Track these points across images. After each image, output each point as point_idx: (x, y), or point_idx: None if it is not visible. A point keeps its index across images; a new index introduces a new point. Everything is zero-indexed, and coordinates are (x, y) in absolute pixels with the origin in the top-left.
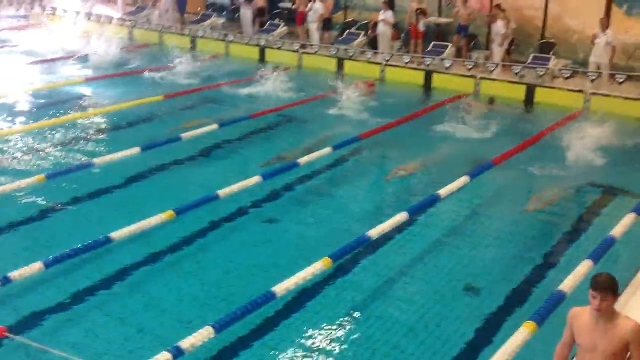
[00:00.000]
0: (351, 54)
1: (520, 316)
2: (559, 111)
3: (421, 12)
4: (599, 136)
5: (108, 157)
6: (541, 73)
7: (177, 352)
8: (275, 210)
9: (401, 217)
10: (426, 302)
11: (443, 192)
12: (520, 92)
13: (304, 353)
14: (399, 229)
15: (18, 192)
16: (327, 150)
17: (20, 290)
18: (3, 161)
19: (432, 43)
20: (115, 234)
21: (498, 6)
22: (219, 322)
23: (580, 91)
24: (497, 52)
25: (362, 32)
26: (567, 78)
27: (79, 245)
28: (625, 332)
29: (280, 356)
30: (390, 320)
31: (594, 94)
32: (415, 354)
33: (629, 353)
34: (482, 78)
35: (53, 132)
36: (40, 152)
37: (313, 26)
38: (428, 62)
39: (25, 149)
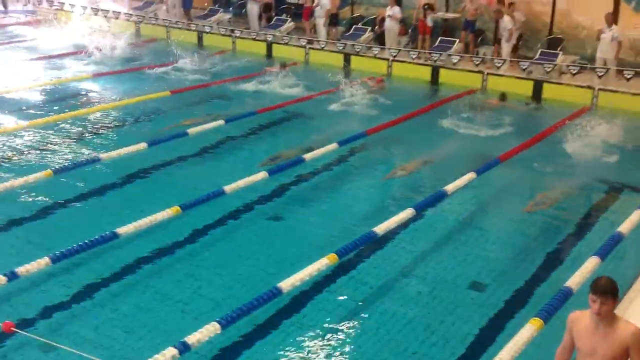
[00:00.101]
0: (358, 50)
1: (527, 313)
2: (567, 107)
3: (429, 8)
4: (607, 132)
5: (115, 153)
6: (549, 69)
7: (184, 348)
8: (281, 206)
9: (407, 213)
10: (432, 299)
11: (450, 188)
12: (527, 88)
13: (310, 349)
14: (405, 225)
15: (25, 188)
16: (333, 146)
17: (27, 285)
18: (11, 156)
19: (440, 38)
20: (122, 230)
21: (502, 1)
22: (225, 318)
23: (588, 87)
24: (505, 47)
25: (369, 28)
26: (575, 74)
27: (85, 241)
28: (625, 337)
29: (286, 352)
30: (395, 316)
31: (602, 90)
32: (420, 350)
33: (629, 358)
34: (489, 74)
35: (60, 128)
36: (48, 148)
37: (320, 22)
38: (435, 58)
39: (32, 144)
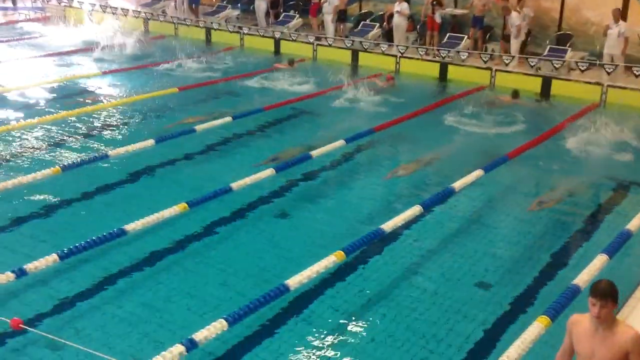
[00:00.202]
0: (366, 47)
1: (534, 311)
2: (575, 104)
3: (437, 4)
4: (616, 129)
5: (123, 150)
6: (557, 66)
7: (191, 345)
8: (288, 203)
9: (414, 210)
10: (438, 297)
11: (457, 185)
12: (536, 85)
13: (317, 346)
14: (412, 222)
15: (34, 184)
16: (340, 143)
17: (36, 282)
18: (19, 153)
19: (448, 35)
20: (130, 226)
21: None
22: (232, 315)
23: (597, 83)
24: (513, 44)
25: (377, 24)
26: (584, 70)
27: (93, 238)
28: (625, 341)
29: (293, 349)
30: (402, 313)
31: (611, 86)
32: (427, 348)
33: None
34: (497, 70)
35: (68, 125)
36: (56, 145)
37: (328, 18)
38: (444, 55)
39: (40, 141)
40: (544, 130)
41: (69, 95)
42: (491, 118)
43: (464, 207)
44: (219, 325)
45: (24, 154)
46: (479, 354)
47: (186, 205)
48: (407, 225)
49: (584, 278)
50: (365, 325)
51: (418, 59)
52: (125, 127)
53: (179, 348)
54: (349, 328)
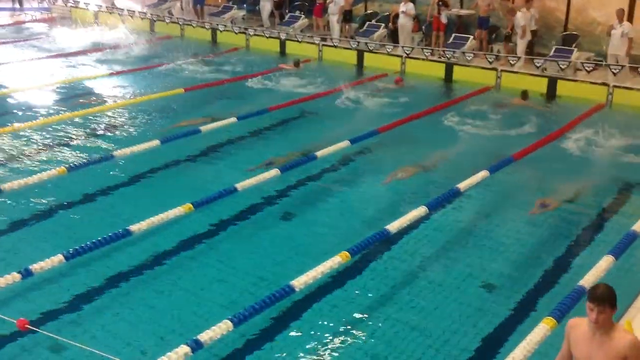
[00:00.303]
0: (372, 47)
1: (540, 312)
2: (581, 104)
3: (443, 4)
4: (622, 130)
5: (128, 150)
6: (563, 66)
7: (196, 346)
8: (294, 204)
9: (420, 211)
10: (444, 297)
11: (462, 186)
12: (542, 86)
13: (322, 347)
14: (418, 223)
15: (40, 185)
16: (345, 143)
17: (42, 282)
18: (25, 154)
19: (453, 35)
20: (135, 227)
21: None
22: (237, 316)
23: (603, 84)
24: (519, 44)
25: (383, 25)
26: (590, 71)
27: (99, 238)
28: (622, 347)
29: (298, 350)
30: (407, 315)
31: (617, 87)
32: (433, 348)
33: None
34: (503, 71)
35: (74, 126)
36: (62, 145)
37: (334, 18)
38: (449, 56)
39: (46, 142)
40: (550, 131)
41: (75, 96)
42: (497, 119)
43: (469, 208)
44: (224, 326)
45: (29, 154)
46: (485, 354)
47: (191, 205)
48: (413, 226)
49: (589, 279)
50: (371, 326)
51: (423, 59)
52: (131, 127)
53: (184, 349)
54: (354, 328)
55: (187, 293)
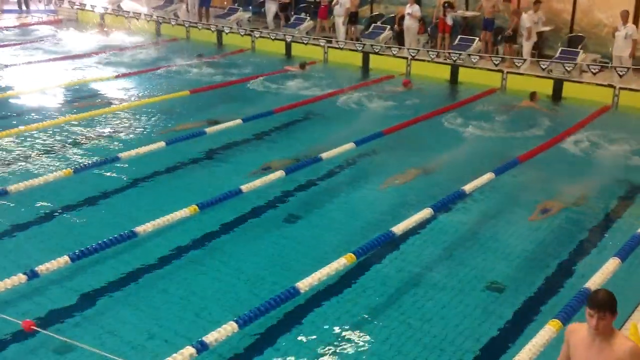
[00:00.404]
0: (377, 49)
1: (546, 314)
2: (587, 106)
3: (449, 6)
4: (628, 132)
5: (134, 152)
6: (569, 68)
7: (202, 347)
8: (299, 205)
9: (425, 213)
10: (449, 299)
11: (468, 188)
12: (548, 87)
13: (327, 349)
14: (424, 225)
15: (46, 186)
16: (349, 145)
17: (47, 283)
18: (31, 155)
19: (459, 37)
20: (140, 228)
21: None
22: (242, 317)
23: (609, 86)
24: (525, 46)
25: (389, 27)
26: (595, 73)
27: (104, 239)
28: (622, 354)
29: (303, 352)
30: (412, 316)
31: (623, 89)
32: (437, 350)
33: None
34: (509, 73)
35: (80, 127)
36: (68, 147)
37: (339, 20)
38: (455, 57)
39: (53, 143)
40: (556, 133)
41: (81, 97)
42: (503, 121)
43: (475, 210)
44: (229, 328)
45: (36, 156)
46: (490, 356)
47: (196, 207)
48: (419, 227)
49: (596, 281)
50: (376, 328)
51: (429, 61)
52: (137, 129)
53: (189, 350)
54: (359, 330)
55: (192, 294)
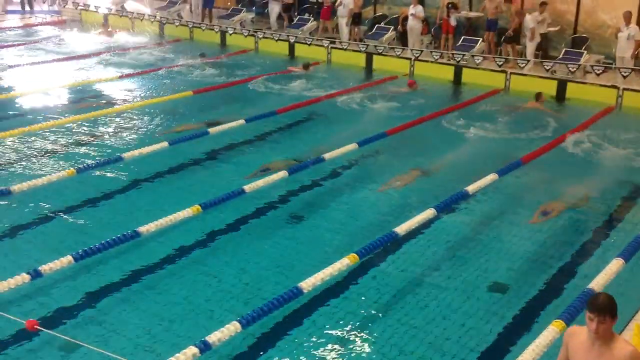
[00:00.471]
0: (380, 50)
1: (549, 315)
2: (591, 107)
3: (452, 7)
4: (632, 132)
5: (137, 152)
6: (573, 69)
7: (204, 347)
8: (302, 206)
9: (428, 213)
10: (452, 300)
11: (471, 189)
12: (551, 88)
13: (330, 349)
14: (427, 225)
15: (49, 186)
16: (352, 146)
17: (51, 283)
18: (35, 156)
19: (462, 38)
20: (143, 228)
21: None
22: (245, 317)
23: (613, 87)
24: (529, 47)
25: (392, 27)
26: (599, 74)
27: (107, 239)
28: (622, 358)
29: (306, 352)
30: (415, 317)
31: (626, 89)
32: (441, 351)
33: None
34: (512, 73)
35: (83, 127)
36: (71, 147)
37: (343, 21)
38: (458, 59)
39: (56, 143)
40: (560, 134)
41: (84, 98)
42: (506, 122)
43: (478, 210)
44: (232, 328)
45: (39, 156)
46: (494, 357)
47: (199, 207)
48: (421, 228)
49: (599, 282)
50: (379, 328)
51: (432, 62)
52: (140, 129)
53: (192, 350)
54: (362, 330)
55: (195, 294)
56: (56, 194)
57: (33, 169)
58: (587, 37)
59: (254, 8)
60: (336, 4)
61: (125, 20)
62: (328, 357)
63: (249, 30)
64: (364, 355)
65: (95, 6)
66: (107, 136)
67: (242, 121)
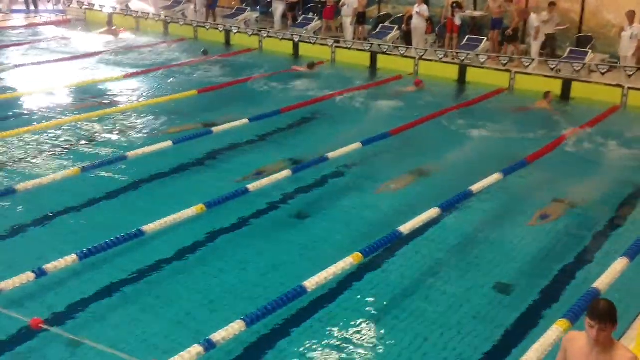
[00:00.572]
0: (385, 49)
1: (553, 315)
2: (596, 106)
3: (457, 6)
4: (637, 132)
5: (141, 151)
6: (578, 68)
7: (209, 345)
8: (306, 204)
9: (432, 212)
10: (456, 300)
11: (475, 188)
12: (556, 87)
13: (334, 348)
14: (431, 224)
15: (54, 185)
16: (356, 145)
17: (56, 282)
18: (39, 154)
19: (467, 37)
20: (148, 227)
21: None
22: (250, 316)
23: (617, 86)
24: (533, 46)
25: (396, 27)
26: (604, 73)
27: (112, 238)
28: None
29: (310, 351)
30: (419, 316)
31: (632, 88)
32: (445, 351)
33: None
34: (517, 73)
35: (88, 127)
36: (76, 146)
37: (347, 20)
38: (463, 58)
39: (60, 142)
40: (565, 133)
41: (89, 97)
42: (511, 121)
43: (483, 210)
44: (237, 326)
45: (43, 155)
46: (498, 356)
47: (203, 206)
48: (425, 227)
49: (604, 281)
50: (383, 327)
51: (437, 61)
52: (144, 128)
53: (197, 348)
54: (366, 330)
55: (199, 293)
56: (61, 192)
57: (38, 167)
58: (591, 36)
59: (258, 7)
60: (340, 3)
61: (130, 19)
62: (332, 356)
63: (253, 30)
64: (367, 354)
65: (100, 5)
66: (111, 135)
67: (246, 120)
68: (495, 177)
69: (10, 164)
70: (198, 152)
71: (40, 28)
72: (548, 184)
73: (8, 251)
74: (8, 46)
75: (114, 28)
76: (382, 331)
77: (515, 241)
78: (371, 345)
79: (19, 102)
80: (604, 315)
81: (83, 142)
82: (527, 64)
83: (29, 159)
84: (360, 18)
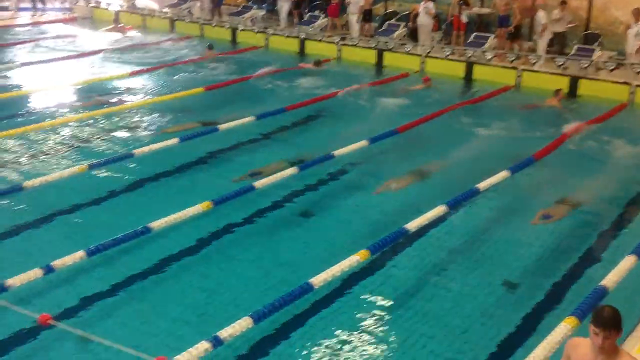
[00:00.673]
0: (391, 46)
1: (562, 312)
2: (603, 104)
3: (464, 3)
4: None
5: (147, 148)
6: (585, 65)
7: (217, 342)
8: (312, 202)
9: (439, 210)
10: (463, 297)
11: (482, 185)
12: (563, 85)
13: (340, 345)
14: (438, 221)
15: (61, 182)
16: (363, 143)
17: (64, 278)
18: (47, 152)
19: (474, 34)
20: (155, 224)
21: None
22: (257, 312)
23: (625, 83)
24: (540, 43)
25: (403, 24)
26: (611, 70)
27: (119, 235)
28: None
29: (317, 347)
30: (427, 314)
31: (639, 85)
32: (452, 348)
33: None
34: (524, 70)
35: (95, 124)
36: (83, 143)
37: (353, 18)
38: (469, 55)
39: (68, 140)
40: (571, 130)
41: (95, 95)
42: (517, 119)
43: (489, 207)
44: (244, 323)
45: (51, 152)
46: (506, 354)
47: (210, 203)
48: (432, 224)
49: (612, 279)
50: (390, 325)
51: (443, 58)
52: (151, 126)
53: (204, 345)
54: (373, 327)
55: (207, 289)
56: (68, 189)
57: (45, 165)
58: (599, 33)
59: (264, 5)
60: (346, 1)
61: (136, 17)
62: (339, 353)
63: (259, 27)
64: (374, 350)
65: (106, 3)
66: (118, 132)
67: (252, 118)
68: (503, 174)
69: (17, 161)
70: (204, 150)
71: (47, 26)
72: (555, 181)
73: (16, 248)
74: (15, 44)
75: (120, 26)
76: (388, 329)
77: (522, 239)
78: (377, 343)
79: (26, 100)
80: (608, 322)
81: (89, 139)
82: (534, 61)
83: (35, 156)
84: (367, 15)
